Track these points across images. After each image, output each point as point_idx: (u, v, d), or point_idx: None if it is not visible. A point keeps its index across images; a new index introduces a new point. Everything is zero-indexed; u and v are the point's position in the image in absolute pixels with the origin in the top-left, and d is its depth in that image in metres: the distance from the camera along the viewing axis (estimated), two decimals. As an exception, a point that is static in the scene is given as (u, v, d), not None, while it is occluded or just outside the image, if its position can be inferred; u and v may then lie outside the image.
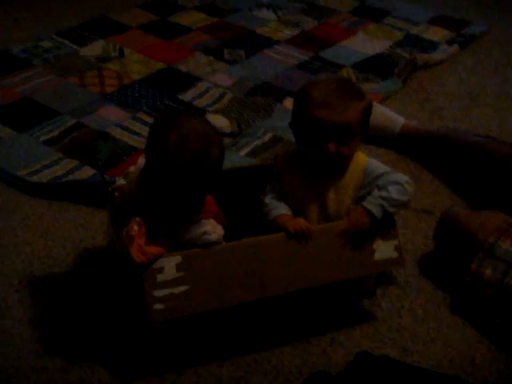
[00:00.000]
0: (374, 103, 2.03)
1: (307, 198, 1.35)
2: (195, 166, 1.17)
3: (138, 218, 1.21)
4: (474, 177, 1.78)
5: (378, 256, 1.33)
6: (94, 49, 2.39)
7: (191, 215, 1.24)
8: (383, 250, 1.33)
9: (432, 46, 2.63)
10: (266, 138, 1.96)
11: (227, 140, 1.93)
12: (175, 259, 1.19)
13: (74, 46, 2.40)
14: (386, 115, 1.98)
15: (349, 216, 1.31)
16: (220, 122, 2.01)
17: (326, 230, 1.31)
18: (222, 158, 1.24)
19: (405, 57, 2.44)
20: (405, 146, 1.95)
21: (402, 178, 1.32)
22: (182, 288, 1.19)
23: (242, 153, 1.88)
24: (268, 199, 1.36)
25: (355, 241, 1.31)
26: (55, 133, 1.91)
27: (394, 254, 1.34)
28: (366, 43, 2.61)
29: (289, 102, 2.11)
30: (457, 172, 1.85)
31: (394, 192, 1.30)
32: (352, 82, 1.37)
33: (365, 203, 1.30)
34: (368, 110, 1.31)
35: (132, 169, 1.38)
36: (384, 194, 1.30)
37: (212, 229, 1.23)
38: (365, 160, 1.35)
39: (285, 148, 1.86)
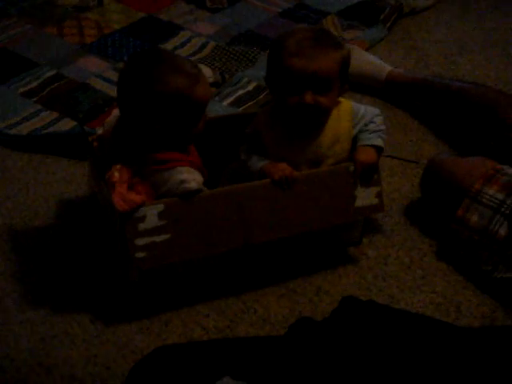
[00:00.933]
0: (360, 50, 2.00)
1: (294, 157, 1.32)
2: (145, 97, 1.17)
3: (118, 166, 1.18)
4: (460, 123, 1.77)
5: (358, 203, 1.33)
6: (71, -2, 2.33)
7: (164, 161, 1.20)
8: (364, 196, 1.33)
9: (418, -8, 2.58)
10: (250, 87, 1.92)
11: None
12: (157, 207, 1.17)
13: (51, -4, 2.34)
14: (371, 62, 1.95)
15: (357, 158, 1.31)
16: (203, 71, 1.97)
17: (309, 176, 1.29)
18: (197, 100, 1.20)
19: (390, 3, 2.39)
20: (391, 93, 1.93)
21: (376, 109, 1.38)
22: (165, 236, 1.18)
23: (226, 102, 1.85)
24: (245, 155, 1.34)
25: (366, 177, 1.32)
26: (34, 84, 1.87)
27: (375, 201, 1.34)
28: (351, -11, 2.55)
29: (273, 51, 2.07)
30: (443, 119, 1.83)
31: (379, 122, 1.36)
32: (329, 32, 1.34)
33: (367, 141, 1.33)
34: (346, 61, 1.29)
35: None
36: (374, 126, 1.34)
37: (190, 176, 1.20)
38: (350, 106, 1.35)
39: (262, 108, 1.82)
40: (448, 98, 1.79)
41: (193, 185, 1.20)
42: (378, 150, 1.34)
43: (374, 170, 1.33)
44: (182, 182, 1.19)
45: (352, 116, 1.34)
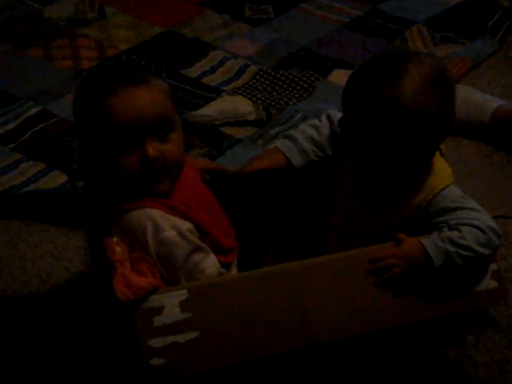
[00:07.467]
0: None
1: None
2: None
3: (115, 238, 1.19)
4: None
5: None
6: (63, 8, 2.42)
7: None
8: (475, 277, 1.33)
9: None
10: (306, 126, 1.96)
11: (251, 130, 1.94)
12: (179, 294, 1.18)
13: (36, 5, 2.43)
14: (469, 100, 1.96)
15: (399, 245, 1.28)
16: (241, 105, 2.02)
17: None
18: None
19: (502, 4, 2.42)
20: (499, 137, 1.93)
21: (487, 220, 1.27)
22: (190, 335, 1.19)
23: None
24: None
25: (386, 281, 1.27)
26: (11, 125, 1.94)
27: (491, 284, 1.33)
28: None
29: (336, 76, 2.11)
30: None
31: (469, 237, 1.25)
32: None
33: (425, 241, 1.27)
34: None
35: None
36: (455, 236, 1.25)
37: (164, 223, 1.20)
38: (446, 183, 1.31)
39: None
40: None
41: (170, 234, 1.20)
42: (427, 255, 1.26)
43: (403, 276, 1.27)
44: (157, 230, 1.19)
45: (435, 194, 1.30)
